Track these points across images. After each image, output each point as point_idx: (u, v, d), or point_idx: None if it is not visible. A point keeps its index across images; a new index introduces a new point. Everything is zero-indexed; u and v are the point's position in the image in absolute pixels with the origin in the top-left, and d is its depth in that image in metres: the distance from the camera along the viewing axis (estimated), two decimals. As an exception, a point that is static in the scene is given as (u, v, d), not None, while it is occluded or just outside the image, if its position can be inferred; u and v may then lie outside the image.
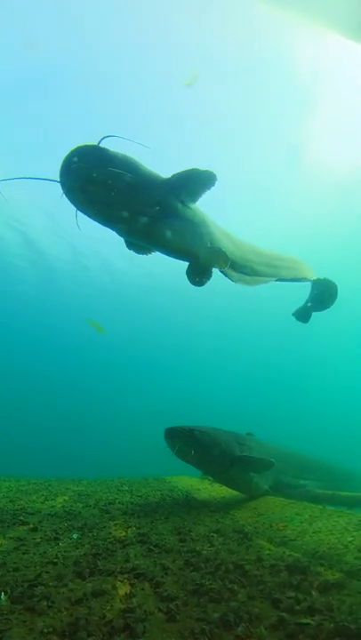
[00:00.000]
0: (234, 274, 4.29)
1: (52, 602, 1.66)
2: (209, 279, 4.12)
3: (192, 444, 4.18)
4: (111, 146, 3.17)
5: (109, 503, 4.33)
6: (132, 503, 4.39)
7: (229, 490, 5.28)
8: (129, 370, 35.23)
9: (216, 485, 5.88)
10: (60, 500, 4.55)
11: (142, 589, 1.86)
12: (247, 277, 4.47)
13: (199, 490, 5.60)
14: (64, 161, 2.99)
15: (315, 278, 5.44)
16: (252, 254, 4.72)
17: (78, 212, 3.24)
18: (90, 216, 3.29)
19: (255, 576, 1.97)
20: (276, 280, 4.94)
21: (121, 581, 1.95)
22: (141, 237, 3.69)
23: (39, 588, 1.80)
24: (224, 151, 18.79)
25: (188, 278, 4.11)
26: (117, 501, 4.47)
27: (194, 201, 3.66)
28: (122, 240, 3.96)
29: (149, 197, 3.28)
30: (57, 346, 32.38)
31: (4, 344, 30.79)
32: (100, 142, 3.03)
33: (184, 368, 36.07)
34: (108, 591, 1.80)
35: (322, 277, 5.46)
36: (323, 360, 35.05)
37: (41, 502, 4.30)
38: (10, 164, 15.14)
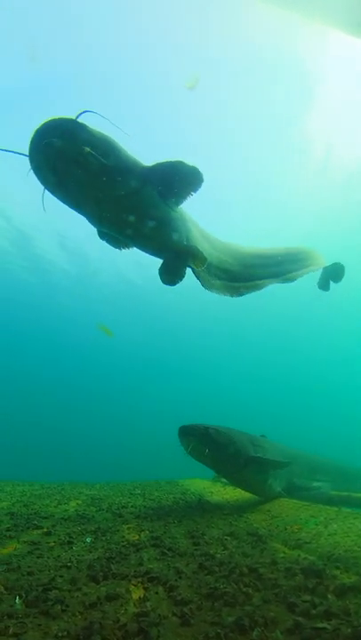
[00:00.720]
0: (207, 277, 3.98)
1: (67, 606, 1.66)
2: (182, 279, 3.86)
3: (207, 442, 4.13)
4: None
5: (122, 507, 4.33)
6: (144, 507, 4.39)
7: (243, 492, 5.23)
8: (140, 374, 35.36)
9: (229, 488, 5.84)
10: (73, 504, 4.57)
11: (156, 593, 1.85)
12: (218, 282, 4.13)
13: (212, 493, 5.57)
14: (35, 134, 2.66)
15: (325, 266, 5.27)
16: (227, 255, 4.42)
17: (46, 192, 2.90)
18: (59, 198, 2.98)
19: (270, 579, 1.95)
20: (281, 281, 4.64)
21: (135, 585, 1.95)
22: (113, 228, 3.42)
23: (53, 591, 1.80)
24: (227, 153, 18.83)
25: (161, 277, 3.87)
26: (130, 505, 4.47)
27: (178, 203, 3.40)
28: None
29: (126, 185, 2.99)
30: (69, 351, 32.68)
31: (18, 350, 31.22)
32: (78, 117, 2.72)
33: (195, 371, 36.02)
34: (121, 595, 1.80)
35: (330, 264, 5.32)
36: (329, 360, 34.73)
37: (54, 506, 4.32)
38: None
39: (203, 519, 3.62)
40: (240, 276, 4.38)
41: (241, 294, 4.30)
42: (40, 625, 1.50)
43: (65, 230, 19.75)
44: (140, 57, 15.11)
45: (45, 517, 3.63)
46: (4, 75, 14.00)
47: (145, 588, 1.91)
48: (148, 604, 1.71)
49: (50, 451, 24.40)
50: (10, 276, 23.54)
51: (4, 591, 1.80)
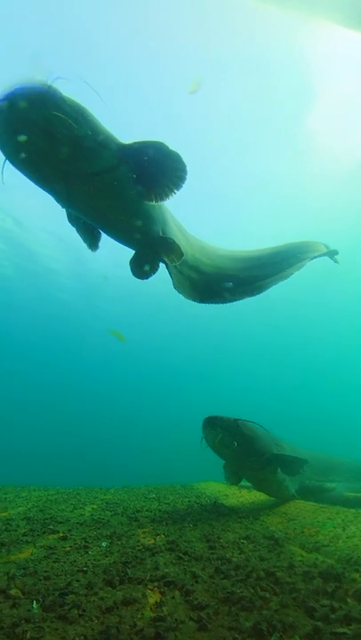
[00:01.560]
0: (179, 275, 3.71)
1: (83, 610, 1.66)
2: (154, 273, 3.62)
3: (236, 435, 3.99)
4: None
5: (137, 511, 4.32)
6: (159, 510, 4.37)
7: (258, 495, 5.19)
8: (155, 378, 35.46)
9: (244, 491, 5.80)
10: (88, 508, 4.58)
11: (172, 598, 1.84)
12: (188, 283, 3.84)
13: (227, 496, 5.53)
14: None
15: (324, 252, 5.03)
16: (203, 255, 4.14)
17: (8, 163, 2.54)
18: (22, 171, 2.61)
19: (288, 583, 1.92)
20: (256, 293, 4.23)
21: (151, 590, 1.94)
22: (81, 209, 3.09)
23: (70, 596, 1.81)
24: (232, 154, 18.81)
25: (132, 269, 3.63)
26: (145, 509, 4.46)
27: (161, 197, 2.94)
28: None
29: (98, 161, 2.65)
30: (86, 358, 32.99)
31: (35, 357, 31.68)
32: (50, 82, 2.39)
33: (209, 374, 35.98)
34: (138, 599, 1.79)
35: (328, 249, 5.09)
36: (338, 359, 34.36)
37: (70, 511, 4.34)
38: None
39: (218, 522, 3.60)
40: (212, 279, 4.08)
41: (208, 302, 4.01)
42: (57, 629, 1.50)
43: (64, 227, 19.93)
44: (142, 60, 15.24)
45: (61, 522, 3.65)
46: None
47: (161, 593, 1.90)
48: (164, 608, 1.70)
49: (65, 456, 24.59)
50: (11, 279, 23.87)
51: (22, 596, 1.81)
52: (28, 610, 1.65)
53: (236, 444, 3.96)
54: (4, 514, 4.06)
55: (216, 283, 4.10)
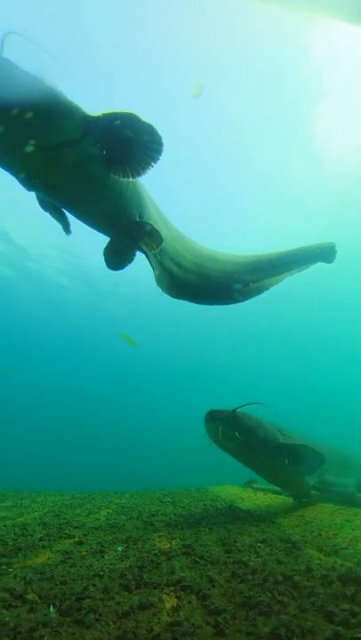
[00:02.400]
0: (159, 267, 3.44)
1: (100, 615, 1.66)
2: (130, 262, 3.32)
3: (236, 425, 3.93)
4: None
5: (152, 515, 4.31)
6: (175, 514, 4.36)
7: (274, 498, 5.13)
8: (169, 382, 35.49)
9: (260, 494, 5.74)
10: (103, 513, 4.59)
11: (189, 602, 1.82)
12: (166, 277, 3.60)
13: (243, 499, 5.48)
14: None
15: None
16: (184, 248, 3.86)
17: None
18: None
19: (306, 587, 1.88)
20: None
21: (167, 594, 1.93)
22: (44, 190, 2.81)
23: (87, 600, 1.80)
24: (237, 156, 18.80)
25: (105, 259, 3.33)
26: (160, 513, 4.45)
27: (137, 172, 2.66)
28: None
29: (58, 132, 2.39)
30: (98, 362, 33.25)
31: (50, 363, 32.06)
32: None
33: (222, 376, 35.85)
34: (154, 604, 1.78)
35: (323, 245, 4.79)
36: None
37: (85, 516, 4.35)
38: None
39: (234, 526, 3.56)
40: (192, 276, 3.85)
41: (184, 298, 3.82)
42: (74, 634, 1.50)
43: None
44: (145, 65, 15.40)
45: (77, 527, 3.66)
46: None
47: (178, 597, 1.88)
48: (181, 613, 1.69)
49: (80, 461, 24.72)
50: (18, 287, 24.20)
51: (39, 600, 1.81)
52: (45, 614, 1.66)
53: (238, 435, 3.89)
54: (21, 519, 4.09)
55: (195, 280, 3.88)
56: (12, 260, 21.02)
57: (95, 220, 3.15)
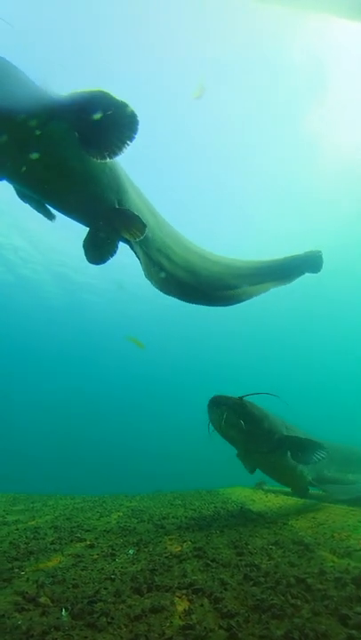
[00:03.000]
0: (147, 260, 3.24)
1: (112, 618, 1.66)
2: (112, 255, 3.11)
3: (241, 413, 3.79)
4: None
5: (163, 518, 4.30)
6: (186, 517, 4.34)
7: (286, 499, 5.08)
8: (179, 384, 35.47)
9: (271, 495, 5.69)
10: (114, 516, 4.59)
11: (201, 605, 1.81)
12: (156, 271, 3.38)
13: (254, 501, 5.44)
14: None
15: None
16: (173, 241, 3.66)
17: None
18: None
19: (319, 590, 1.86)
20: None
21: (179, 597, 1.92)
22: (13, 177, 2.66)
23: (98, 604, 1.80)
24: (240, 155, 18.76)
25: (85, 251, 3.14)
26: (171, 516, 4.43)
27: (113, 152, 2.51)
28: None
29: (21, 113, 2.25)
30: (109, 365, 33.37)
31: (59, 364, 32.29)
32: None
33: (230, 376, 35.72)
34: (166, 607, 1.77)
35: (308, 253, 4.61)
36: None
37: (96, 519, 4.36)
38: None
39: (246, 528, 3.54)
40: (181, 272, 3.64)
41: (174, 295, 3.60)
42: (86, 637, 1.50)
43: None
44: (145, 67, 15.47)
45: (88, 530, 3.67)
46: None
47: (190, 600, 1.87)
48: (193, 616, 1.68)
49: (90, 464, 24.81)
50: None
51: (51, 603, 1.82)
52: (58, 618, 1.66)
53: (243, 424, 3.76)
54: (32, 522, 4.11)
55: (185, 277, 3.67)
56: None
57: (71, 208, 3.01)
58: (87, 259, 3.19)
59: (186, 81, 15.36)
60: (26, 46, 13.13)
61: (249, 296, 4.01)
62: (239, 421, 3.78)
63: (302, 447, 3.96)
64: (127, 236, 3.01)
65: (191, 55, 14.79)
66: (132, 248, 3.19)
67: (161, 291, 3.51)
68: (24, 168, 2.52)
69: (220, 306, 3.97)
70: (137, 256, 3.24)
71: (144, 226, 2.95)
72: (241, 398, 3.92)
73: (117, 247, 3.16)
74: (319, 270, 4.63)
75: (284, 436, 4.00)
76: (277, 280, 4.26)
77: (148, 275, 3.28)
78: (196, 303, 3.87)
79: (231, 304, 3.94)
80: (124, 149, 2.52)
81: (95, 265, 3.22)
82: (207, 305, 3.95)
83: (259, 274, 4.21)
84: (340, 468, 4.97)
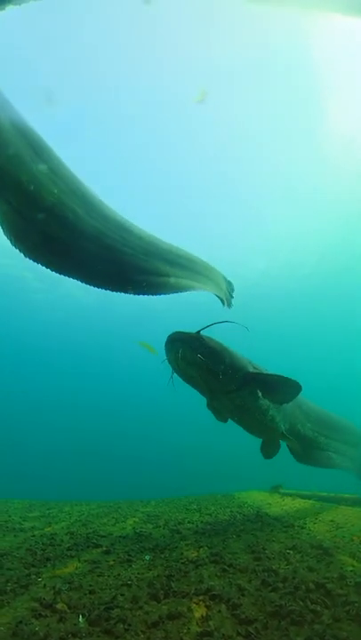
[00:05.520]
0: (5, 207, 2.27)
1: (129, 625, 1.65)
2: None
3: (198, 347, 3.45)
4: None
5: (179, 523, 4.28)
6: (201, 522, 4.31)
7: (303, 503, 5.01)
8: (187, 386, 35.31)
9: (288, 499, 5.62)
10: (130, 521, 4.58)
11: (219, 611, 1.79)
12: (21, 223, 2.35)
13: (270, 504, 5.37)
14: None
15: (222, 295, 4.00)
16: (112, 223, 2.73)
17: None
18: None
19: (339, 595, 1.82)
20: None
21: (196, 603, 1.89)
22: None
23: (115, 610, 1.80)
24: (250, 160, 18.74)
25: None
26: (187, 521, 4.41)
27: None
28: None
29: None
30: (119, 369, 33.47)
31: (76, 370, 32.55)
32: None
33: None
34: (183, 613, 1.76)
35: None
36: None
37: (112, 525, 4.36)
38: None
39: (262, 532, 3.49)
40: (78, 233, 2.55)
41: (51, 261, 2.56)
42: (104, 644, 1.49)
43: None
44: (150, 77, 15.59)
45: (104, 536, 3.66)
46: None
47: (207, 607, 1.85)
48: (210, 622, 1.66)
49: (105, 470, 24.85)
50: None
51: (68, 610, 1.82)
52: (75, 624, 1.66)
53: (202, 357, 3.40)
54: (49, 529, 4.13)
55: (86, 243, 2.61)
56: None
57: None
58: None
59: (191, 84, 15.48)
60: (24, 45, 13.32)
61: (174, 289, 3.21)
62: (197, 356, 3.43)
63: (273, 384, 3.61)
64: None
65: (195, 59, 14.88)
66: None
67: (25, 253, 2.46)
68: None
69: (124, 292, 3.00)
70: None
71: (53, 192, 2.24)
72: (198, 332, 3.57)
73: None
74: (226, 305, 4.19)
75: (249, 373, 3.65)
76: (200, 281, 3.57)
77: (6, 228, 2.33)
78: (88, 282, 2.83)
79: (137, 294, 3.02)
80: None
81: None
82: (106, 288, 2.94)
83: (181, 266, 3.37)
84: (315, 427, 4.59)
